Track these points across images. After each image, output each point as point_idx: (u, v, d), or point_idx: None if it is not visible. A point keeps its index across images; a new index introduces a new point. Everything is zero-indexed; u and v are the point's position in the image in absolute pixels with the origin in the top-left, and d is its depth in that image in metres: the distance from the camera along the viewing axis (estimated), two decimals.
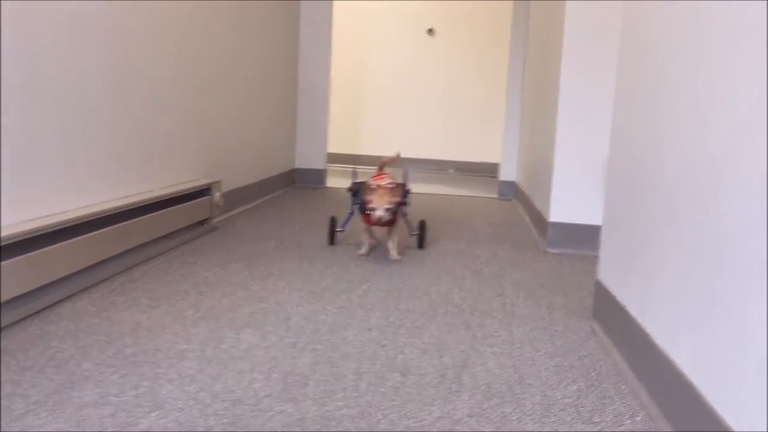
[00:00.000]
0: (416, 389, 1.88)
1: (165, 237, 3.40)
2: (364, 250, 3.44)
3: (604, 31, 3.75)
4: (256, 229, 4.05)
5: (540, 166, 4.53)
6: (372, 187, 3.25)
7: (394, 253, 3.37)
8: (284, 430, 1.62)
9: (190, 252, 3.38)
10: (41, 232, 2.38)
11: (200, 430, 1.60)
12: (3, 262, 2.17)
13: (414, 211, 3.73)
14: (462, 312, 2.61)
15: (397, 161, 3.85)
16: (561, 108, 3.86)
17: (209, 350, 2.10)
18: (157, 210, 3.26)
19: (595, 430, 1.71)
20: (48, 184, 2.56)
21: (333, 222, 3.68)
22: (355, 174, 3.70)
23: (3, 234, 2.20)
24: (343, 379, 1.93)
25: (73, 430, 1.58)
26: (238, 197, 4.62)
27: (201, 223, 3.84)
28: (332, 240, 3.67)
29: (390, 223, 3.32)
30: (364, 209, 3.25)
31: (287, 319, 2.42)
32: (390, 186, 3.27)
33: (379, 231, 3.44)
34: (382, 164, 3.76)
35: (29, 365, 1.92)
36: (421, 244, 3.67)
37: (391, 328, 2.38)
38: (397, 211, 3.30)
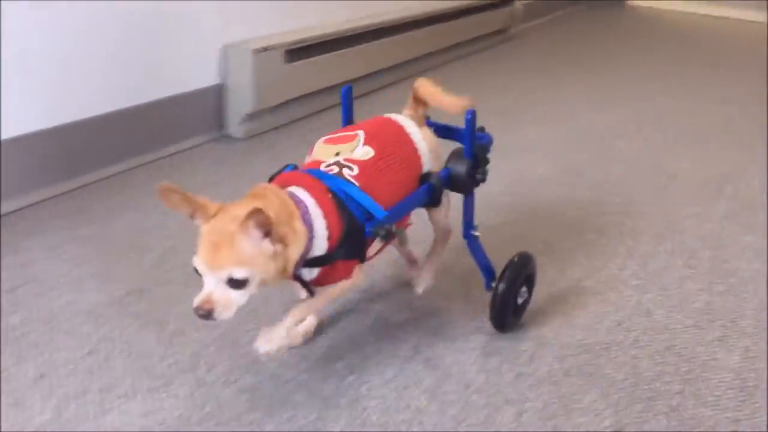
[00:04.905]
0: (680, 190, 2.15)
1: (467, 42, 3.78)
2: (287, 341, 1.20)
3: None
4: (550, 43, 4.27)
5: None
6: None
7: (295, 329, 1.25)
8: (560, 207, 2.00)
9: (489, 58, 3.74)
10: (371, 29, 2.87)
11: (489, 193, 2.04)
12: (339, 51, 2.70)
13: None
14: (741, 137, 2.73)
15: (458, 110, 1.40)
16: None
17: (500, 138, 2.49)
18: (461, 17, 3.63)
19: None
20: None
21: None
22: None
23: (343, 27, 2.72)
24: (613, 174, 2.25)
25: None
26: (534, 10, 4.82)
27: (499, 32, 4.16)
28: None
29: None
30: None
31: (571, 122, 2.73)
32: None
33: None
34: (417, 96, 1.40)
35: None
36: (501, 317, 1.41)
37: (667, 141, 2.59)
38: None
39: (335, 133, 1.31)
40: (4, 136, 1.79)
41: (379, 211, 1.18)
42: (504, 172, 2.21)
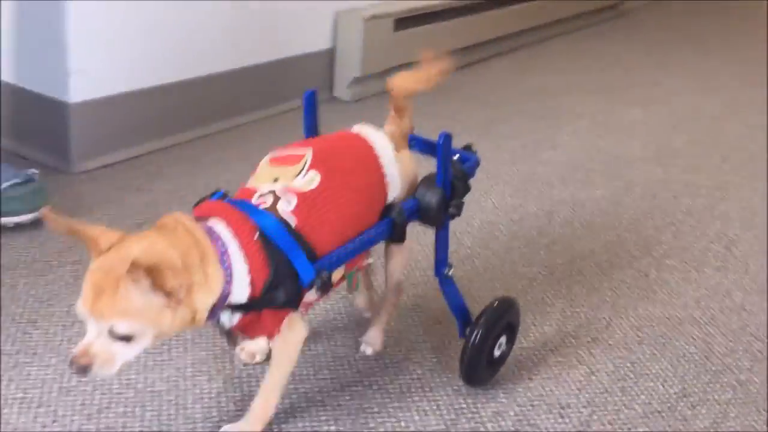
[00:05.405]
0: None
1: (577, 16, 3.77)
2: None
3: None
4: (664, 21, 4.20)
5: None
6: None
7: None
8: (653, 187, 2.04)
9: (597, 34, 3.73)
10: (478, 1, 2.94)
11: (583, 168, 2.10)
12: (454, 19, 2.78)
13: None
14: None
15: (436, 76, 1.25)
16: None
17: (600, 116, 2.54)
18: None
19: None
20: None
21: None
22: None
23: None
24: (709, 158, 2.26)
25: (493, 153, 2.17)
26: None
27: (611, 7, 4.12)
28: None
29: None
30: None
31: (674, 104, 2.73)
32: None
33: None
34: (396, 99, 1.22)
35: (463, 98, 2.56)
36: (470, 371, 1.23)
37: None
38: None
39: (285, 149, 1.11)
40: (132, 88, 1.97)
41: (305, 267, 0.98)
42: (601, 150, 2.26)
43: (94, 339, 0.89)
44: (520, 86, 2.77)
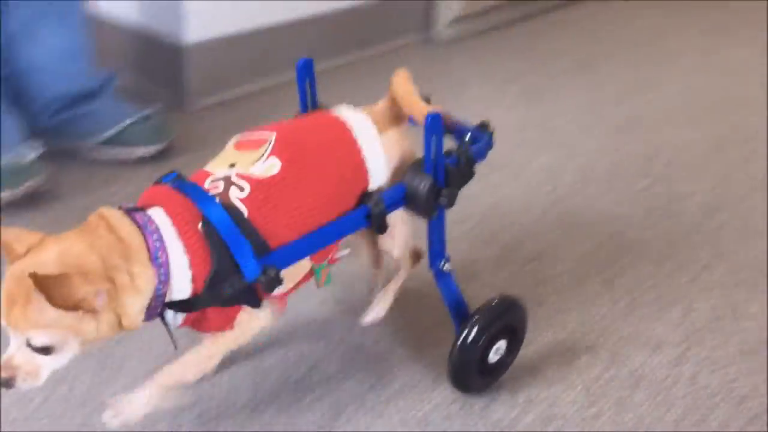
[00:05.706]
0: None
1: None
2: None
3: None
4: None
5: None
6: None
7: None
8: (760, 128, 2.00)
9: None
10: None
11: (689, 109, 2.06)
12: None
13: None
14: None
15: (421, 118, 1.04)
16: None
17: (707, 57, 2.47)
18: None
19: None
20: None
21: None
22: None
23: None
24: None
25: (595, 93, 2.16)
26: None
27: None
28: None
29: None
30: None
31: None
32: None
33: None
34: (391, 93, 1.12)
35: (568, 36, 2.53)
36: (460, 375, 1.12)
37: None
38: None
39: (252, 133, 1.02)
40: (243, 28, 2.05)
41: (248, 263, 0.89)
42: (708, 92, 2.22)
43: (15, 350, 0.84)
44: (628, 25, 2.71)
